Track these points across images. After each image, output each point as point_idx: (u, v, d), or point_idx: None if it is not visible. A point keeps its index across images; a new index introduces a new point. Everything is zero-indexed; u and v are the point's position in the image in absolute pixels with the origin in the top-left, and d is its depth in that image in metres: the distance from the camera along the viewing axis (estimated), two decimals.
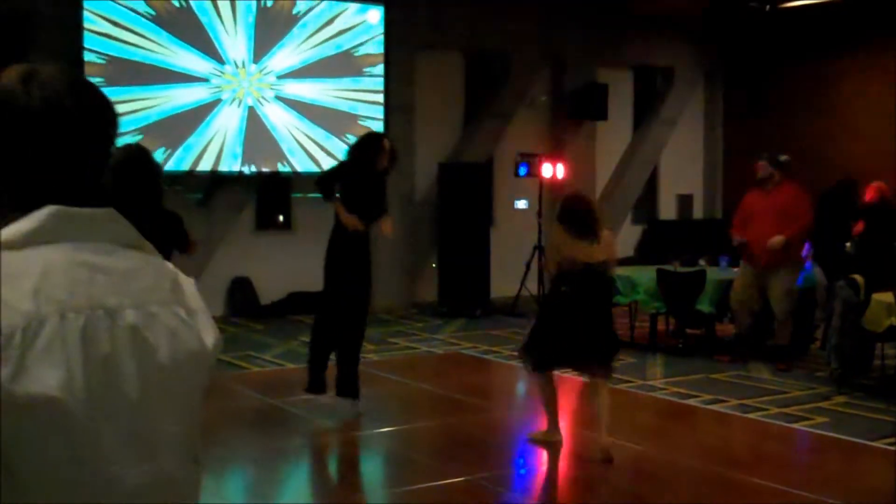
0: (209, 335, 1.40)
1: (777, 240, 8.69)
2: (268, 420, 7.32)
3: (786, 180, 8.97)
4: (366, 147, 7.17)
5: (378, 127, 11.78)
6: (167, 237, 5.08)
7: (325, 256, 7.22)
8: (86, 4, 10.69)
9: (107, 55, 10.81)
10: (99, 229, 1.35)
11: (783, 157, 9.07)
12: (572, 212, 6.36)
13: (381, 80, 12.19)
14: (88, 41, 10.66)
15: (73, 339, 1.25)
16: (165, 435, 1.32)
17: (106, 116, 1.42)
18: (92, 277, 1.30)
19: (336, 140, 11.92)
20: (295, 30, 11.77)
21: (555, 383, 6.55)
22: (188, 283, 1.44)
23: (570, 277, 6.27)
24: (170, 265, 1.44)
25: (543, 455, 6.54)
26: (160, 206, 5.19)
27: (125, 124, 10.84)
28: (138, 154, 5.02)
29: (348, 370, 7.15)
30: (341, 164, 7.33)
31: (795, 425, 7.12)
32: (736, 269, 9.55)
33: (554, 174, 12.81)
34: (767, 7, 13.56)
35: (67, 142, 1.35)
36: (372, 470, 6.50)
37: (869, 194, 10.29)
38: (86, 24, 10.67)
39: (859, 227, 10.00)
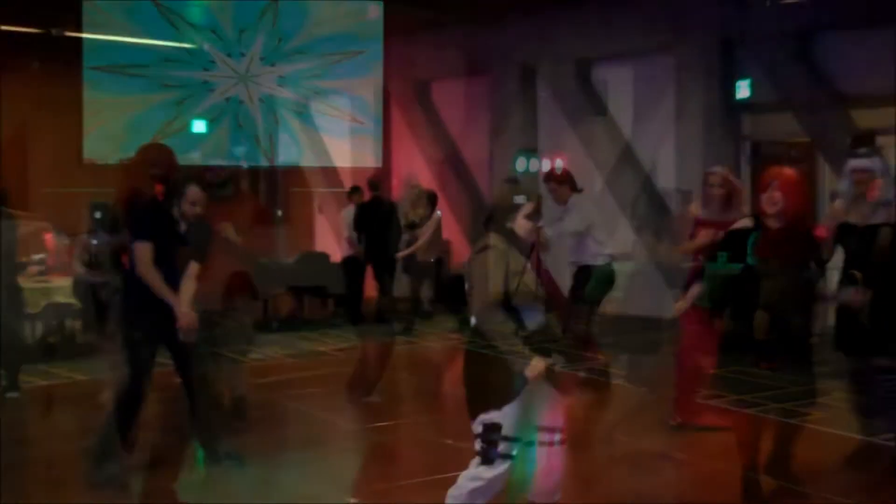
0: None
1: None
2: (266, 414, 7.32)
3: None
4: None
5: (375, 123, 11.76)
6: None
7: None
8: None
9: (106, 50, 10.79)
10: None
11: None
12: None
13: (381, 75, 12.17)
14: (88, 37, 10.65)
15: None
16: None
17: None
18: None
19: (333, 134, 11.91)
20: (294, 24, 11.75)
21: None
22: None
23: None
24: None
25: (542, 449, 6.52)
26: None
27: (126, 120, 10.84)
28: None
29: None
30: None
31: (793, 420, 7.11)
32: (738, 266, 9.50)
33: (552, 169, 12.78)
34: (768, 2, 13.51)
35: None
36: (371, 464, 6.50)
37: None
38: (84, 22, 10.66)
39: None
